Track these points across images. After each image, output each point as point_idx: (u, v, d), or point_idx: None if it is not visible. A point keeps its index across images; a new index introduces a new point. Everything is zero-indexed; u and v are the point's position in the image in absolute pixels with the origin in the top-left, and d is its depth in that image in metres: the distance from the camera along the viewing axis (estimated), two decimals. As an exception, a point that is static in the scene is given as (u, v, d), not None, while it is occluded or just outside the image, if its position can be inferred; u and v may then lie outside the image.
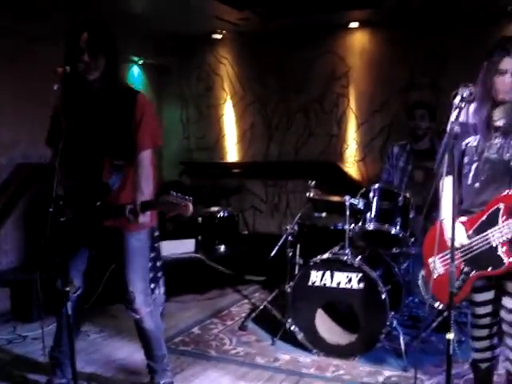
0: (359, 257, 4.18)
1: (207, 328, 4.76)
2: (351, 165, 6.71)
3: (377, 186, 4.32)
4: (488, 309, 2.90)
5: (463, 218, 2.86)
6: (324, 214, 5.25)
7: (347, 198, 4.25)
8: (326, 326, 4.18)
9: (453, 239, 2.54)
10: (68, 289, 2.88)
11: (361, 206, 4.26)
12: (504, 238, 2.69)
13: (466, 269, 2.83)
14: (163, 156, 7.42)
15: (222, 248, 6.20)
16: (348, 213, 4.23)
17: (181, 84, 7.51)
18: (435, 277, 2.91)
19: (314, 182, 4.51)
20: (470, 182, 2.85)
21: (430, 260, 2.96)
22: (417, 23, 6.08)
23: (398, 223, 4.16)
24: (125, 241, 3.16)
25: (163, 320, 4.49)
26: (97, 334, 4.49)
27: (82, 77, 2.98)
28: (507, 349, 2.86)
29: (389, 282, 4.24)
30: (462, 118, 2.76)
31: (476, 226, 2.80)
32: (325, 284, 4.10)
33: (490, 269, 2.75)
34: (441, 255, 2.91)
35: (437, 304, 3.10)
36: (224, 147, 7.43)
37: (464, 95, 2.58)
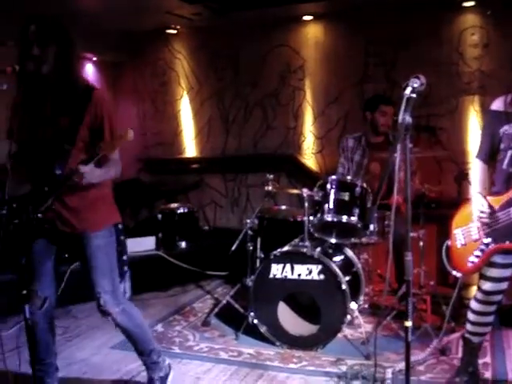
0: (319, 248, 4.21)
1: (170, 325, 4.74)
2: (309, 157, 6.77)
3: (334, 177, 4.35)
4: (498, 287, 3.04)
5: (490, 197, 3.04)
6: (283, 207, 5.28)
7: (305, 190, 4.28)
8: (288, 318, 4.20)
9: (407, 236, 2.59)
10: (25, 292, 2.82)
11: (318, 197, 4.29)
12: None
13: (486, 240, 2.99)
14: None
15: (183, 244, 6.18)
16: (306, 205, 4.26)
17: (136, 80, 7.46)
18: (458, 246, 3.14)
19: (272, 175, 4.52)
20: (504, 167, 3.00)
21: (455, 231, 3.18)
22: (369, 15, 6.14)
23: (356, 213, 4.20)
24: (87, 241, 3.06)
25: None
26: (60, 336, 4.43)
27: (35, 73, 2.91)
28: None
29: (348, 272, 4.29)
30: (498, 106, 3.00)
31: (503, 202, 2.96)
32: (286, 276, 4.11)
33: (507, 242, 2.92)
34: (465, 227, 3.12)
35: (454, 272, 3.24)
36: (182, 143, 7.41)
37: (415, 86, 2.61)
